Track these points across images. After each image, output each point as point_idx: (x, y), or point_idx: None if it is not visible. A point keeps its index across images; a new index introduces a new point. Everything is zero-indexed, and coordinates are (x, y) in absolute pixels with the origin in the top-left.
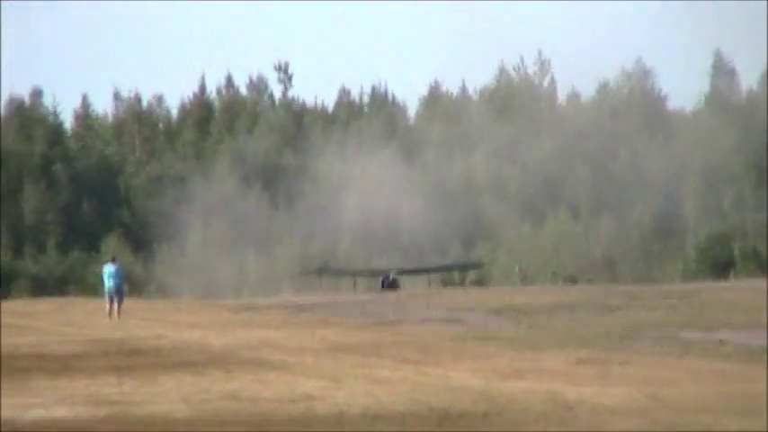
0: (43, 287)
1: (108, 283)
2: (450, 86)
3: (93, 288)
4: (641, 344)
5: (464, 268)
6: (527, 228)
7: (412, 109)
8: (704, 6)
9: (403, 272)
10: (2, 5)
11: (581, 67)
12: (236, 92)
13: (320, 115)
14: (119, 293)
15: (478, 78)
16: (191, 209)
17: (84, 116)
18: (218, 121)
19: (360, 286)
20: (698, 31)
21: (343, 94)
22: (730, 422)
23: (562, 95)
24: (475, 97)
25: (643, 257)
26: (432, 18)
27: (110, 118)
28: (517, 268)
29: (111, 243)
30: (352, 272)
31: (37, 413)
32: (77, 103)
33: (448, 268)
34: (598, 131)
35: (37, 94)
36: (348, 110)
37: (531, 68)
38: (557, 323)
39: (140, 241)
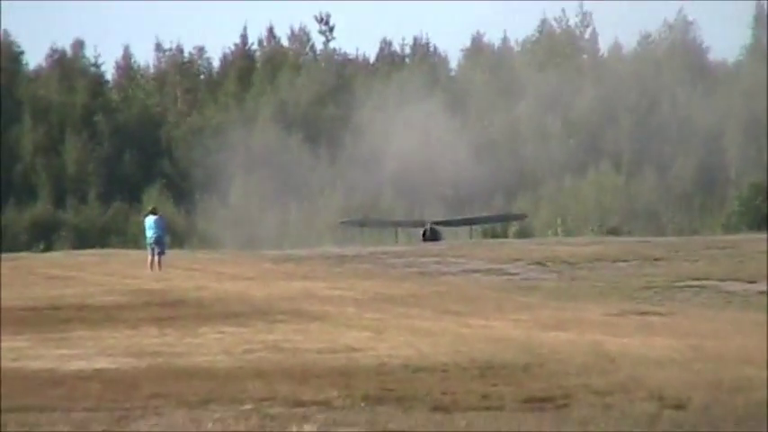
0: (85, 238)
1: (149, 234)
2: (492, 38)
3: (134, 239)
4: (683, 295)
5: (506, 220)
6: (569, 179)
7: (454, 60)
8: None
9: (445, 223)
10: None
11: (622, 18)
12: (278, 43)
13: (362, 67)
14: (160, 245)
15: (520, 30)
16: (232, 160)
17: (126, 68)
18: (260, 72)
19: (401, 237)
20: None
21: (385, 45)
22: None
23: (604, 47)
24: (517, 48)
25: (685, 209)
26: None
27: (151, 69)
28: (559, 220)
29: (153, 194)
30: (393, 223)
31: (79, 364)
32: (119, 54)
33: (490, 220)
34: (640, 83)
35: (79, 45)
36: (390, 61)
37: (573, 20)
38: (599, 275)
39: (182, 192)
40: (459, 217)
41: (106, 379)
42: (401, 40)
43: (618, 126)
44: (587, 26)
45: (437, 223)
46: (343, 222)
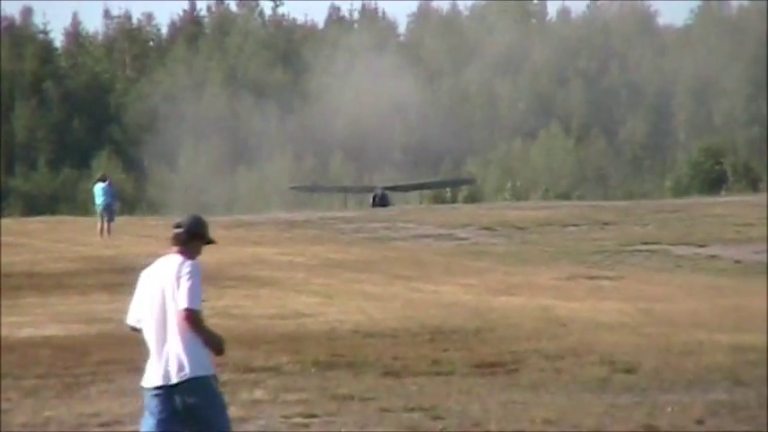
0: (34, 205)
1: (99, 201)
2: (441, 4)
3: (84, 206)
4: (634, 259)
5: (455, 184)
6: (519, 143)
7: (402, 26)
8: None
9: (393, 188)
10: None
11: None
12: (227, 9)
13: (310, 32)
14: (110, 212)
15: None
16: (181, 126)
17: (75, 34)
18: (209, 38)
19: (351, 203)
20: None
21: (333, 11)
22: (723, 337)
23: (552, 11)
24: (465, 14)
25: (634, 173)
26: None
27: (100, 36)
28: (509, 184)
29: (102, 161)
30: (342, 188)
31: (29, 331)
32: (68, 21)
33: (440, 184)
34: (589, 47)
35: (27, 12)
36: (338, 26)
37: None
38: (549, 239)
39: (131, 159)
40: (408, 182)
41: (56, 345)
42: (349, 5)
43: (568, 90)
44: None
45: (387, 188)
46: (292, 188)
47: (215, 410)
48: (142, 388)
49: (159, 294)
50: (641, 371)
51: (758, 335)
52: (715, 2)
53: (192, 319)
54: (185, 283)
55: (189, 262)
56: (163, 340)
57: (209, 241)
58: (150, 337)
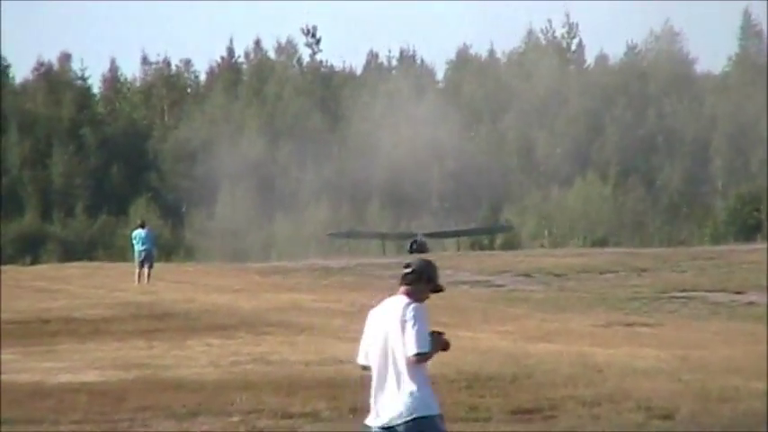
0: (72, 251)
1: (138, 247)
2: (479, 49)
3: (121, 252)
4: (670, 306)
5: (493, 231)
6: (556, 190)
7: (440, 72)
8: None
9: (431, 235)
10: None
11: (609, 29)
12: (265, 55)
13: (348, 78)
14: (148, 258)
15: (507, 41)
16: (219, 172)
17: (113, 80)
18: (246, 84)
19: (388, 249)
20: None
21: (371, 57)
22: (759, 383)
23: (590, 58)
24: (503, 60)
25: (671, 220)
26: None
27: (138, 82)
28: (546, 232)
29: (140, 207)
30: (380, 235)
31: (66, 377)
32: (105, 67)
33: (476, 232)
34: (626, 94)
35: (65, 58)
36: (376, 73)
37: (559, 31)
38: (586, 286)
39: (169, 205)
40: (446, 229)
41: (93, 391)
42: (387, 51)
43: (604, 137)
44: (573, 37)
45: (424, 235)
46: (330, 234)
47: None
48: (367, 426)
49: (383, 335)
50: (678, 417)
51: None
52: (753, 49)
53: (423, 361)
54: (411, 329)
55: (413, 305)
56: (385, 380)
57: (438, 288)
58: (374, 376)
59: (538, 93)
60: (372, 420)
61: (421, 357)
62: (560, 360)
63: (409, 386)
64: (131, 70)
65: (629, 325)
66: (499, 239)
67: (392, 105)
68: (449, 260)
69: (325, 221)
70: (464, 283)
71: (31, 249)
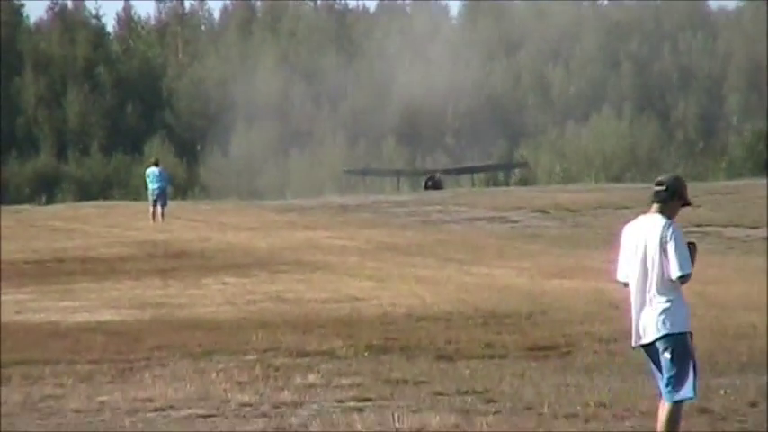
0: (87, 191)
1: (152, 186)
2: None
3: (136, 191)
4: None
5: (508, 168)
6: (571, 127)
7: (454, 10)
8: None
9: (446, 171)
10: None
11: None
12: None
13: (362, 16)
14: (162, 196)
15: None
16: (234, 111)
17: (127, 19)
18: (261, 22)
19: (403, 186)
20: None
21: None
22: None
23: None
24: None
25: (687, 155)
26: None
27: (152, 21)
28: (559, 167)
29: (155, 146)
30: (395, 172)
31: (83, 316)
32: (120, 6)
33: (492, 168)
34: (641, 31)
35: None
36: (390, 11)
37: None
38: (601, 222)
39: (184, 144)
40: (461, 165)
41: (110, 331)
42: None
43: (619, 73)
44: None
45: (439, 172)
46: (345, 171)
47: (681, 372)
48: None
49: (641, 254)
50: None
51: None
52: None
53: (685, 282)
54: (673, 251)
55: (672, 227)
56: (644, 298)
57: (687, 203)
58: (633, 294)
59: (553, 30)
60: (635, 341)
61: (684, 279)
62: (576, 297)
63: (666, 304)
64: (145, 9)
65: None
66: (514, 176)
67: (406, 43)
68: (464, 197)
69: (340, 159)
70: (479, 219)
71: (46, 189)
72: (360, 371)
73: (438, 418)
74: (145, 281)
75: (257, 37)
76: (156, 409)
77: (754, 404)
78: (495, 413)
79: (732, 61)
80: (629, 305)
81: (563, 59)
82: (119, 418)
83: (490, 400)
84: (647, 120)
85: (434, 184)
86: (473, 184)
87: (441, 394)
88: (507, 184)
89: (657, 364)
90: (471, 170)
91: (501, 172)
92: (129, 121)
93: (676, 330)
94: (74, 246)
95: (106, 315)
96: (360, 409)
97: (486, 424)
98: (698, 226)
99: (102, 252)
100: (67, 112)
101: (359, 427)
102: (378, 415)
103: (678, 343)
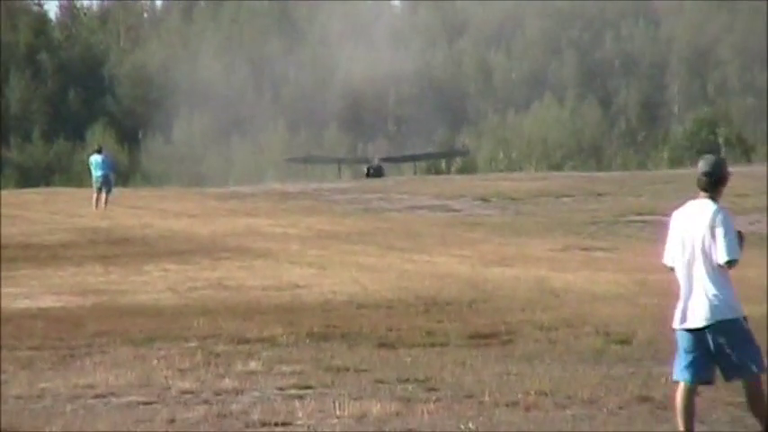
0: (29, 177)
1: (96, 173)
2: None
3: (78, 177)
4: (628, 230)
5: (450, 156)
6: (512, 115)
7: None
8: None
9: (388, 159)
10: None
11: None
12: None
13: (305, 2)
14: (106, 183)
15: None
16: (176, 97)
17: (69, 6)
18: (203, 9)
19: (345, 174)
20: None
21: None
22: None
23: None
24: None
25: (629, 143)
26: None
27: (94, 7)
28: (502, 155)
29: (97, 132)
30: (337, 160)
31: (24, 302)
32: None
33: (433, 156)
34: (583, 17)
35: None
36: None
37: None
38: (543, 210)
39: (126, 130)
40: (402, 153)
41: (51, 317)
42: None
43: (561, 60)
44: None
45: (381, 160)
46: (287, 159)
47: (745, 351)
48: (674, 330)
49: (690, 239)
50: (636, 342)
51: (755, 306)
52: None
53: (733, 267)
54: (722, 237)
55: (722, 211)
56: (691, 284)
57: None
58: (681, 279)
59: (494, 16)
60: (679, 323)
61: (733, 264)
62: (518, 285)
63: (715, 289)
64: None
65: (586, 249)
66: (456, 164)
67: (349, 29)
68: (405, 185)
69: (282, 146)
70: (421, 207)
71: None
72: (301, 358)
73: (379, 405)
74: (86, 267)
75: (199, 23)
76: (96, 396)
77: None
78: (436, 401)
79: (674, 49)
80: (571, 294)
81: (505, 46)
82: (60, 404)
83: (431, 389)
84: (588, 107)
85: (376, 172)
86: (415, 172)
87: (382, 382)
88: (449, 172)
89: (696, 349)
90: (413, 158)
91: (442, 159)
92: (71, 107)
93: (731, 316)
94: (15, 232)
95: (48, 301)
96: (301, 397)
97: (427, 412)
98: (639, 214)
99: (44, 239)
100: (9, 99)
101: (300, 414)
102: (319, 402)
103: (736, 328)
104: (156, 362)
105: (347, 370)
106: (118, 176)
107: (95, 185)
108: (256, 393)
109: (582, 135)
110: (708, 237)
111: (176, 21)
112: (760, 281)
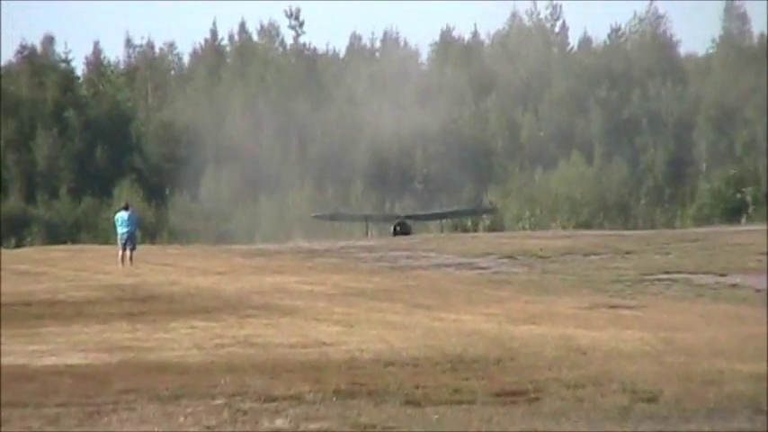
0: (56, 234)
1: (121, 229)
2: (463, 31)
3: (105, 234)
4: (654, 288)
5: (477, 213)
6: (539, 172)
7: (424, 54)
8: None
9: (415, 217)
10: None
11: (593, 11)
12: (248, 38)
13: (332, 61)
14: (131, 240)
15: (491, 23)
16: (203, 155)
17: (96, 63)
18: (230, 67)
19: (372, 231)
20: None
21: (355, 39)
22: (744, 366)
23: (574, 40)
24: (487, 42)
25: (656, 202)
26: None
27: (122, 65)
28: (529, 213)
29: (124, 189)
30: (364, 217)
31: (51, 359)
32: (89, 50)
33: (460, 213)
34: (610, 76)
35: (48, 41)
36: (360, 55)
37: (543, 13)
38: (570, 268)
39: (153, 187)
40: (429, 211)
41: (78, 374)
42: (371, 34)
43: (588, 119)
44: (557, 19)
45: (408, 217)
46: (314, 216)
47: None
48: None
49: None
50: (662, 400)
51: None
52: (736, 31)
53: None
54: None
55: None
56: None
57: None
58: None
59: (521, 75)
60: None
61: None
62: (544, 342)
63: None
64: (115, 53)
65: (612, 307)
66: (483, 222)
67: (376, 87)
68: (432, 242)
69: (309, 203)
70: (448, 265)
71: (15, 232)
72: (327, 416)
73: None
74: (113, 324)
75: (226, 81)
76: None
77: None
78: None
79: (701, 107)
80: (598, 352)
81: (532, 104)
82: None
83: None
84: (615, 165)
85: (403, 230)
86: (441, 230)
87: None
88: (476, 230)
89: None
90: (440, 216)
91: (469, 217)
92: (97, 164)
93: None
94: (42, 289)
95: (74, 358)
96: None
97: None
98: (666, 273)
99: (70, 295)
100: (36, 155)
101: None
102: None
103: None
104: (182, 419)
105: (374, 427)
106: (144, 233)
107: (120, 242)
108: None
109: (609, 193)
110: None
111: (203, 78)
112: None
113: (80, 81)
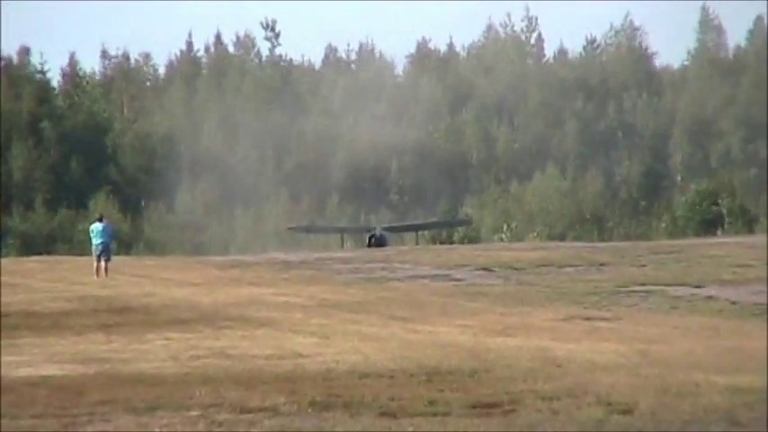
0: (31, 245)
1: (96, 241)
2: (438, 43)
3: (81, 246)
4: (630, 300)
5: (452, 225)
6: (515, 185)
7: (400, 66)
8: None
9: (391, 229)
10: None
11: (568, 23)
12: (224, 49)
13: (307, 72)
14: (106, 251)
15: (466, 35)
16: (179, 166)
17: (72, 74)
18: (206, 78)
19: (347, 243)
20: None
21: (331, 51)
22: (720, 378)
23: (549, 52)
24: (462, 54)
25: (631, 214)
26: None
27: (97, 76)
28: (505, 226)
29: (100, 201)
30: (339, 229)
31: (26, 371)
32: (65, 61)
33: (436, 225)
34: (586, 88)
35: (24, 52)
36: (335, 67)
37: (519, 25)
38: (545, 280)
39: (129, 199)
40: (405, 223)
41: (53, 385)
42: (347, 46)
43: (564, 131)
44: (533, 31)
45: (383, 229)
46: (289, 228)
47: None
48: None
49: None
50: (638, 412)
51: (755, 376)
52: (712, 43)
53: None
54: None
55: None
56: None
57: None
58: None
59: (497, 87)
60: None
61: None
62: (520, 354)
63: None
64: (91, 64)
65: (588, 319)
66: (458, 233)
67: (351, 99)
68: (408, 254)
69: (284, 215)
70: (423, 277)
71: None
72: (303, 428)
73: None
74: (88, 335)
75: (202, 92)
76: None
77: None
78: None
79: (676, 120)
80: (574, 364)
81: (507, 116)
82: None
83: None
84: (591, 177)
85: (378, 241)
86: (417, 242)
87: None
88: (451, 242)
89: None
90: (415, 227)
91: (445, 229)
92: (73, 175)
93: None
94: (17, 300)
95: (49, 369)
96: None
97: None
98: (641, 285)
99: (46, 306)
100: (12, 167)
101: None
102: None
103: None
104: (158, 430)
105: None
106: (120, 245)
107: (95, 253)
108: None
109: (584, 205)
110: None
111: (179, 90)
112: (760, 351)
113: (56, 92)
